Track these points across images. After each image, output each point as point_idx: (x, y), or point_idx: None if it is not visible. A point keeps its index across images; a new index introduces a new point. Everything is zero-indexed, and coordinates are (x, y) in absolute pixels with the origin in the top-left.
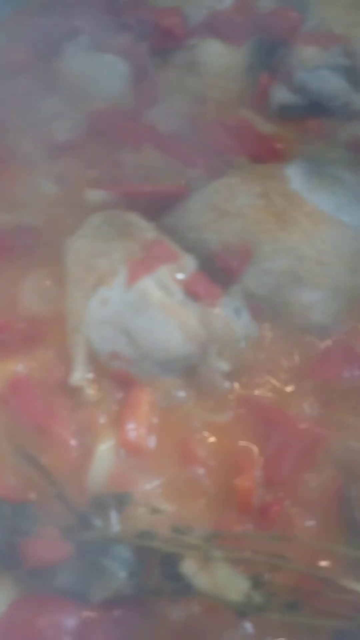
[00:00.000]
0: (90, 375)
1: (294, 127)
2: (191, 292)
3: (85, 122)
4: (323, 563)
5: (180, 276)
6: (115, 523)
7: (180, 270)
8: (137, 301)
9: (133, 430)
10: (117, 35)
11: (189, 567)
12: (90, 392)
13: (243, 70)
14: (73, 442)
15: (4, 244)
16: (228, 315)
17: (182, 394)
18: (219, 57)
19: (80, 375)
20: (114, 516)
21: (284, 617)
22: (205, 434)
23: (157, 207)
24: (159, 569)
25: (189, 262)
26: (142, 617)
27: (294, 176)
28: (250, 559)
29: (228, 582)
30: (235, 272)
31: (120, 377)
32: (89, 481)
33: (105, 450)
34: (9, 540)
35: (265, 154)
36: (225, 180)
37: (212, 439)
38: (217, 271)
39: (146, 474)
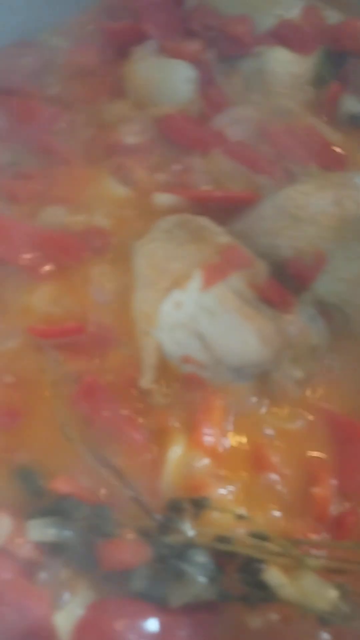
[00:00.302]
0: (161, 379)
1: None
2: (265, 298)
3: (153, 127)
4: None
5: (254, 282)
6: (190, 527)
7: (255, 276)
8: (213, 306)
9: (207, 434)
10: (184, 41)
11: (273, 574)
12: (161, 395)
13: (310, 79)
14: (145, 445)
15: (73, 245)
16: (304, 322)
17: (254, 400)
18: (286, 65)
19: (152, 378)
20: (189, 520)
21: None
22: (278, 441)
23: (225, 213)
24: (239, 576)
25: (263, 268)
26: (220, 623)
27: None
28: (339, 567)
29: (315, 591)
30: (308, 279)
31: (191, 382)
32: (163, 485)
33: (178, 454)
34: (87, 542)
35: (332, 162)
36: (299, 187)
37: (284, 447)
38: (288, 278)
39: (219, 479)
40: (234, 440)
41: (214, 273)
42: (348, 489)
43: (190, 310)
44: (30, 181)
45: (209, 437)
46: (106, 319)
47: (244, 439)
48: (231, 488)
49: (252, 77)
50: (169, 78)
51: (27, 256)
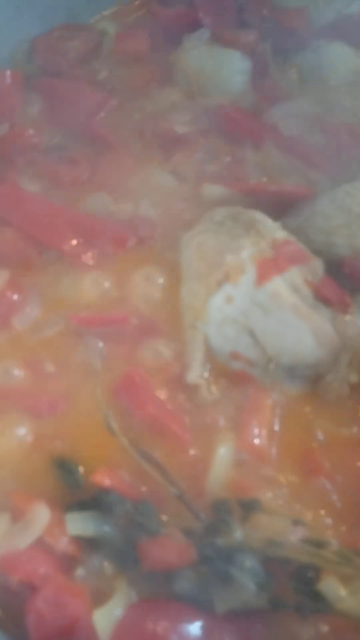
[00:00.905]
0: (207, 375)
1: None
2: (321, 296)
3: (204, 116)
4: None
5: (310, 279)
6: (239, 530)
7: (311, 273)
8: (267, 302)
9: (255, 434)
10: (239, 31)
11: (330, 584)
12: (208, 391)
13: None
14: (189, 442)
15: (118, 234)
16: None
17: (305, 401)
18: (345, 60)
19: (198, 373)
20: (238, 522)
21: None
22: (330, 446)
23: (276, 208)
24: (291, 584)
25: (319, 265)
26: (267, 632)
27: None
28: None
29: None
30: None
31: (240, 379)
32: (208, 484)
33: (225, 454)
34: (128, 539)
35: None
36: (358, 184)
37: (337, 452)
38: (344, 277)
39: (267, 482)
40: (283, 441)
41: (269, 268)
42: None
43: (242, 305)
44: (76, 166)
45: (257, 438)
46: (151, 311)
47: (294, 441)
48: (280, 491)
49: (309, 72)
50: (222, 68)
51: (72, 243)
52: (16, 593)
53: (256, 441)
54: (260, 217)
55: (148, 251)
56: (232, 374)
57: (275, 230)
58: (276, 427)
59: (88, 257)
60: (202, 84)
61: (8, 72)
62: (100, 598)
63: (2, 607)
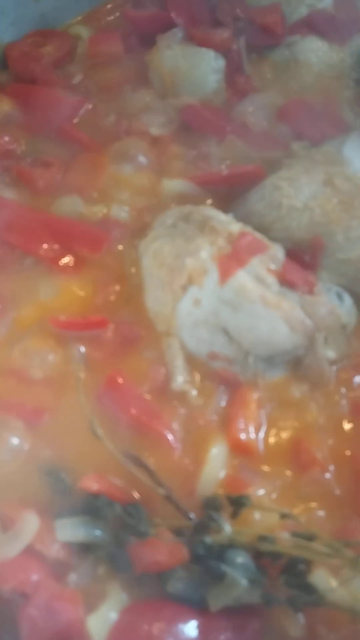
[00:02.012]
0: (196, 377)
1: None
2: (286, 282)
3: (177, 117)
4: None
5: (272, 266)
6: (228, 527)
7: (272, 260)
8: (234, 298)
9: (242, 430)
10: (212, 30)
11: (321, 576)
12: (194, 394)
13: (345, 69)
14: (176, 443)
15: (91, 236)
16: (331, 302)
17: (290, 389)
18: (320, 55)
19: (182, 379)
20: (228, 519)
21: None
22: (321, 433)
23: (236, 197)
24: (283, 578)
25: (279, 251)
26: (262, 627)
27: (354, 157)
28: None
29: None
30: (310, 267)
31: (223, 378)
32: (200, 484)
33: (217, 453)
34: (119, 542)
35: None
36: (284, 173)
37: (330, 441)
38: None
39: (259, 477)
40: (272, 434)
41: (230, 263)
42: None
43: (210, 305)
44: (49, 169)
45: (245, 433)
46: (129, 316)
47: (283, 433)
48: (273, 486)
49: (283, 67)
50: (196, 67)
51: (48, 247)
52: (8, 602)
53: (244, 437)
54: (211, 212)
55: (123, 254)
56: (215, 374)
57: (229, 224)
58: (264, 420)
59: (65, 261)
60: (176, 84)
61: None
62: (94, 602)
63: None
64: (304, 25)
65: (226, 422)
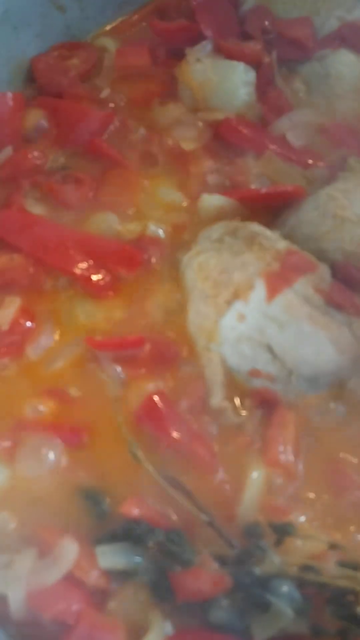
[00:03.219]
0: (237, 399)
1: None
2: (333, 303)
3: (208, 131)
4: None
5: (320, 286)
6: (277, 557)
7: (319, 280)
8: (281, 315)
9: (282, 452)
10: (242, 43)
11: None
12: (234, 414)
13: None
14: (218, 466)
15: (128, 255)
16: None
17: (330, 412)
18: (352, 68)
19: (221, 396)
20: (271, 548)
21: None
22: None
23: (275, 215)
24: (329, 608)
25: (326, 272)
26: None
27: None
28: None
29: None
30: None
31: (263, 397)
32: (241, 509)
33: (257, 477)
34: (160, 570)
35: None
36: (339, 185)
37: None
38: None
39: (299, 502)
40: (310, 457)
41: (278, 281)
42: None
43: (255, 321)
44: (81, 186)
45: (284, 455)
46: (167, 334)
47: (321, 456)
48: (313, 512)
49: (315, 81)
50: (226, 80)
51: (82, 266)
52: (48, 630)
53: (283, 459)
54: (259, 229)
55: (161, 272)
56: (255, 393)
57: (277, 242)
58: (303, 443)
59: (100, 280)
60: (206, 97)
61: (9, 94)
62: (134, 631)
63: None
64: (335, 38)
65: (265, 444)
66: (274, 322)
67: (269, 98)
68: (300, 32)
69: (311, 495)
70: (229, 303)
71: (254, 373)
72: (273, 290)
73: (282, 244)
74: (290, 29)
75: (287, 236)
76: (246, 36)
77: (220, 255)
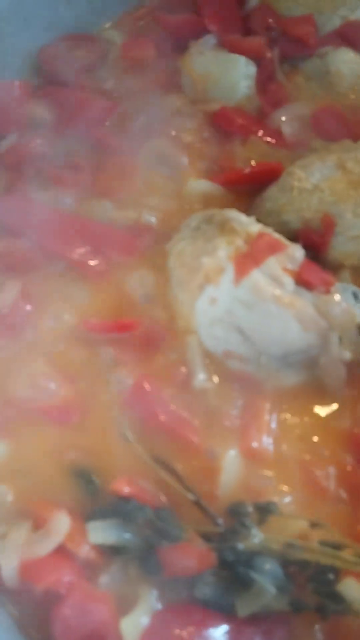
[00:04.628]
0: (216, 379)
1: None
2: (303, 282)
3: (207, 122)
4: None
5: (289, 266)
6: (259, 534)
7: (289, 260)
8: (249, 297)
9: (254, 438)
10: (245, 38)
11: (349, 585)
12: (215, 395)
13: None
14: (202, 447)
15: (123, 241)
16: (346, 302)
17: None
18: (353, 66)
19: (202, 377)
20: (255, 526)
21: None
22: (329, 444)
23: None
24: (311, 586)
25: (297, 251)
26: (290, 634)
27: None
28: None
29: None
30: (321, 246)
31: (239, 377)
32: (220, 488)
33: (234, 457)
34: (150, 546)
35: None
36: (299, 162)
37: (335, 449)
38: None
39: (275, 485)
40: (284, 445)
41: (246, 263)
42: None
43: (225, 304)
44: (80, 172)
45: (257, 441)
46: (158, 318)
47: (293, 443)
48: (290, 495)
49: (316, 79)
50: (227, 73)
51: (80, 251)
52: (40, 601)
53: (256, 445)
54: (233, 214)
55: (151, 259)
56: (234, 375)
57: (249, 225)
58: (276, 431)
59: (95, 266)
60: (207, 89)
61: (17, 83)
62: (125, 605)
63: (25, 614)
64: (337, 37)
65: (241, 429)
66: (242, 303)
67: (269, 91)
68: (303, 29)
69: (285, 480)
70: (201, 287)
71: (228, 354)
72: (241, 272)
73: (254, 228)
74: (292, 27)
75: (256, 216)
76: (250, 32)
77: (195, 243)
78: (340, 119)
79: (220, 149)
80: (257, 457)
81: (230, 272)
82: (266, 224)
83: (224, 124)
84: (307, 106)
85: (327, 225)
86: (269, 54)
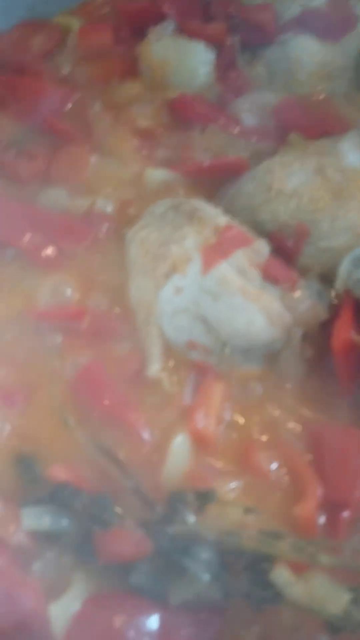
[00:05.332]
0: (171, 364)
1: None
2: (269, 276)
3: (165, 109)
4: None
5: (256, 260)
6: (193, 519)
7: (256, 254)
8: (215, 288)
9: (202, 420)
10: (205, 24)
11: (281, 574)
12: (169, 384)
13: (337, 68)
14: (147, 435)
15: (76, 230)
16: (311, 299)
17: (258, 386)
18: (312, 54)
19: (158, 367)
20: (193, 514)
21: None
22: (289, 427)
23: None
24: (245, 575)
25: (263, 246)
26: (224, 623)
27: (349, 151)
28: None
29: (326, 594)
30: (292, 252)
31: (199, 368)
32: (164, 476)
33: (180, 444)
34: (85, 532)
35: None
36: (278, 158)
37: (292, 433)
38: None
39: (219, 471)
40: (233, 429)
41: (214, 254)
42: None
43: (191, 294)
44: (34, 161)
45: (204, 423)
46: (108, 307)
47: (242, 430)
48: (234, 481)
49: (276, 66)
50: (186, 59)
51: (29, 239)
52: None
53: (203, 426)
54: (201, 205)
55: (105, 246)
56: (192, 365)
57: (217, 217)
58: (227, 415)
59: (46, 254)
60: (166, 76)
61: None
62: (58, 592)
63: None
64: (297, 24)
65: (188, 411)
66: (209, 294)
67: (229, 79)
68: (262, 16)
69: (230, 465)
70: (167, 276)
71: (191, 345)
72: (208, 262)
73: (222, 220)
74: (253, 14)
75: (227, 208)
76: (210, 19)
77: (161, 230)
78: (304, 112)
79: (179, 137)
80: (204, 442)
81: (197, 262)
82: (238, 218)
83: (182, 112)
84: (268, 95)
85: (301, 234)
86: (229, 41)
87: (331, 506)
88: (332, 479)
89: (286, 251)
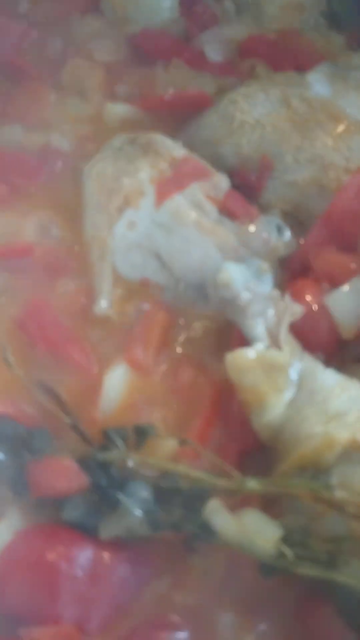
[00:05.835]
0: (119, 293)
1: None
2: (227, 211)
3: (126, 43)
4: None
5: (213, 194)
6: (130, 457)
7: (213, 188)
8: (169, 221)
9: (140, 351)
10: None
11: (213, 507)
12: (115, 319)
13: (308, 2)
14: (90, 368)
15: (29, 166)
16: (269, 234)
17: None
18: None
19: (106, 304)
20: (131, 449)
21: (319, 576)
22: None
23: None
24: (178, 511)
25: (222, 180)
26: (158, 560)
27: (316, 81)
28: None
29: (258, 529)
30: (256, 187)
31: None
32: (100, 408)
33: (115, 375)
34: (20, 465)
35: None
36: (242, 89)
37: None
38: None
39: (155, 404)
40: (170, 363)
41: (169, 187)
42: None
43: (145, 228)
44: None
45: (142, 354)
46: (62, 245)
47: (185, 372)
48: (167, 414)
49: (244, 2)
50: None
51: None
52: None
53: (141, 357)
54: (158, 138)
55: (60, 183)
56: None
57: (174, 149)
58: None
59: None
60: (128, 10)
61: None
62: None
63: None
64: None
65: (127, 341)
66: (162, 228)
67: (194, 13)
68: None
69: (165, 399)
70: (120, 210)
71: (144, 282)
72: (162, 195)
73: (179, 152)
74: None
75: (187, 142)
76: None
77: (116, 163)
78: (273, 46)
79: (142, 73)
80: (141, 372)
81: (151, 196)
82: (200, 153)
83: (145, 47)
84: (236, 28)
85: (265, 167)
86: None
87: None
88: None
89: (250, 187)
